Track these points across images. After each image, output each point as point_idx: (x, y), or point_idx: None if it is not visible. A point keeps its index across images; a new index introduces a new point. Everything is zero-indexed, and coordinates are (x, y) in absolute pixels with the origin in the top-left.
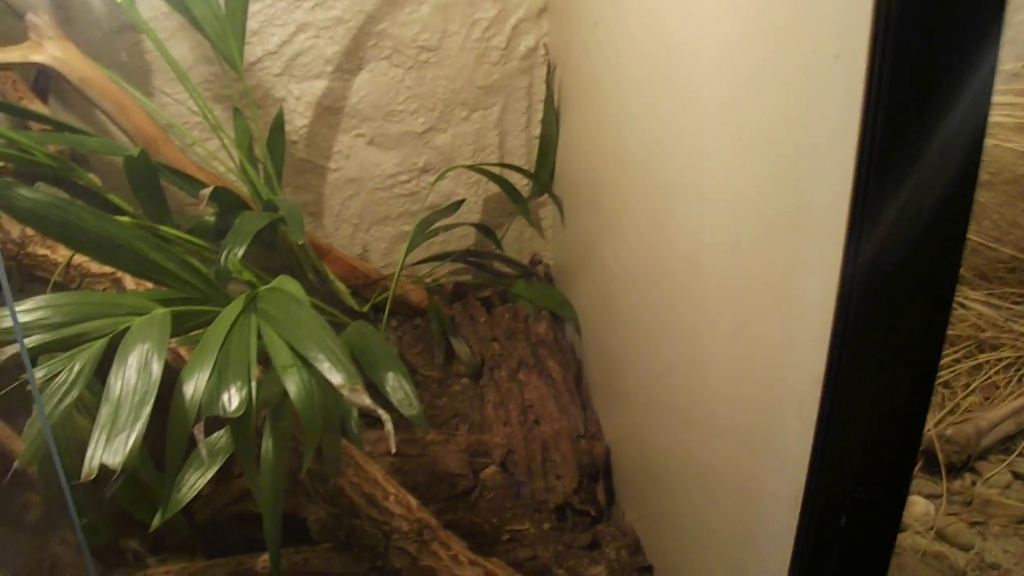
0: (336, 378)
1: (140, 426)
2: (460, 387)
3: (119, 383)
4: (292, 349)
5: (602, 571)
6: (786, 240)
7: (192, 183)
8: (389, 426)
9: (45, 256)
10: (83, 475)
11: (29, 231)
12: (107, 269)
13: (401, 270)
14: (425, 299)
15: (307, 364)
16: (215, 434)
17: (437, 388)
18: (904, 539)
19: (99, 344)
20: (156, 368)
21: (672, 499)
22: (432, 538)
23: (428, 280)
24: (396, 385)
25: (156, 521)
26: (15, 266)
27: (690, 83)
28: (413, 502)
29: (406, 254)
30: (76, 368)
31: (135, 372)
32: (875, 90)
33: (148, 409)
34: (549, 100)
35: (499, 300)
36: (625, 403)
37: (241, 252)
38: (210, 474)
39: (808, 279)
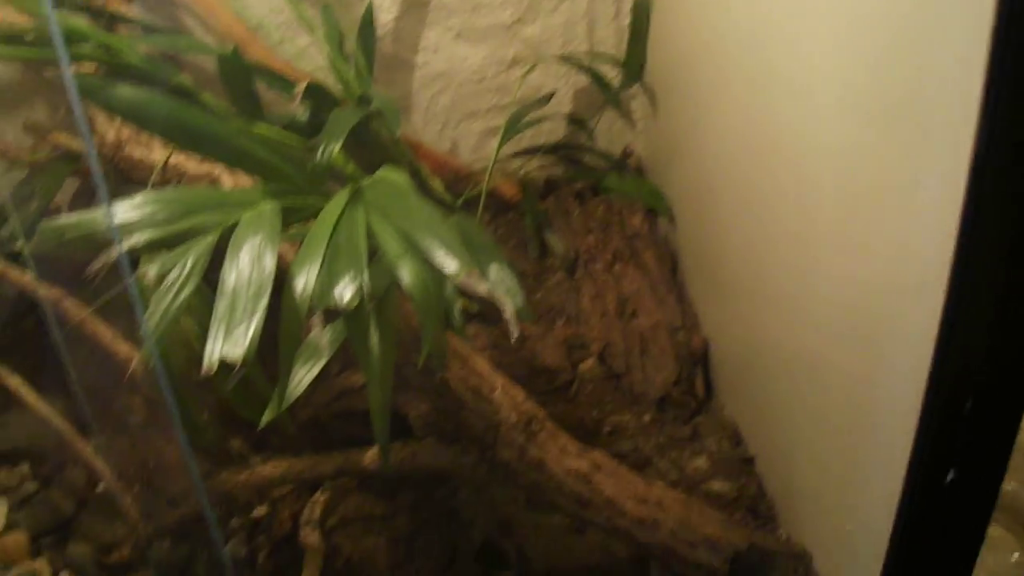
0: (451, 266)
1: (258, 318)
2: (555, 281)
3: (233, 276)
4: (404, 238)
5: (704, 462)
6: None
7: (283, 81)
8: (510, 310)
9: (141, 159)
10: (204, 369)
11: (124, 134)
12: (204, 170)
13: (494, 164)
14: (517, 193)
15: (419, 253)
16: (315, 330)
17: (532, 282)
18: None
19: (210, 238)
20: (269, 260)
21: (778, 389)
22: (540, 429)
23: (519, 175)
24: (499, 276)
25: (267, 417)
26: (111, 169)
27: None
28: (520, 394)
29: (500, 146)
30: (189, 263)
31: (248, 264)
32: None
33: (264, 301)
34: None
35: (591, 193)
36: (725, 295)
37: (338, 147)
38: (317, 369)
39: (934, 150)
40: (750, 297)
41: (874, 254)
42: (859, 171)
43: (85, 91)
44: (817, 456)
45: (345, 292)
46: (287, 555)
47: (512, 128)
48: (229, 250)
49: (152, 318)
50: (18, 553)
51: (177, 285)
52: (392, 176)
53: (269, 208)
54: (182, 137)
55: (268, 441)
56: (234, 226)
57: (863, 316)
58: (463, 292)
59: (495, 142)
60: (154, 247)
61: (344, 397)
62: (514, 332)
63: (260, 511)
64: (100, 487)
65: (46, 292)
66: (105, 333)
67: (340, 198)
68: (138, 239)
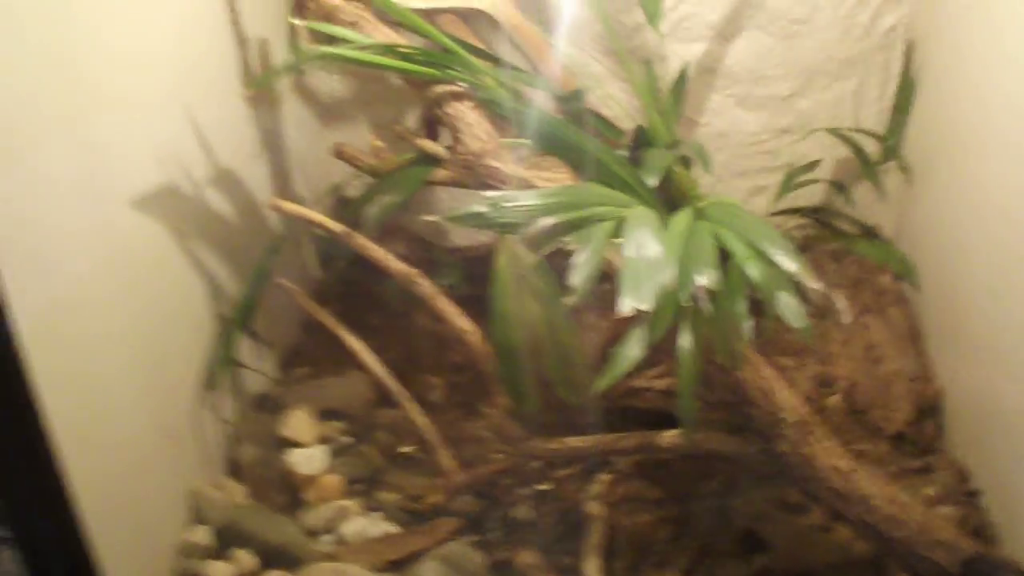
0: (792, 266)
1: (656, 281)
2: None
3: (630, 250)
4: (748, 244)
5: (933, 491)
6: None
7: (602, 122)
8: (843, 303)
9: (498, 168)
10: (617, 313)
11: (488, 146)
12: (549, 181)
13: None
14: None
15: (763, 255)
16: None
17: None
18: None
19: (609, 224)
20: (654, 247)
21: (1006, 432)
22: (812, 430)
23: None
24: (787, 302)
25: (602, 384)
26: (471, 175)
27: None
28: (798, 400)
29: (776, 200)
30: (597, 240)
31: (638, 247)
32: None
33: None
34: (905, 74)
35: (842, 255)
36: (962, 352)
37: (656, 181)
38: (639, 356)
39: None
40: (988, 355)
41: None
42: None
43: (490, 102)
44: None
45: (706, 280)
46: (569, 523)
47: (786, 186)
48: (626, 233)
49: (578, 275)
50: (334, 492)
51: (589, 256)
52: (726, 199)
53: (643, 210)
54: (561, 149)
55: (574, 420)
56: (621, 218)
57: None
58: (798, 289)
59: (760, 199)
60: (566, 229)
61: (628, 396)
62: (847, 318)
63: (544, 486)
64: (406, 448)
65: (403, 269)
66: (448, 308)
67: (686, 213)
68: (549, 220)
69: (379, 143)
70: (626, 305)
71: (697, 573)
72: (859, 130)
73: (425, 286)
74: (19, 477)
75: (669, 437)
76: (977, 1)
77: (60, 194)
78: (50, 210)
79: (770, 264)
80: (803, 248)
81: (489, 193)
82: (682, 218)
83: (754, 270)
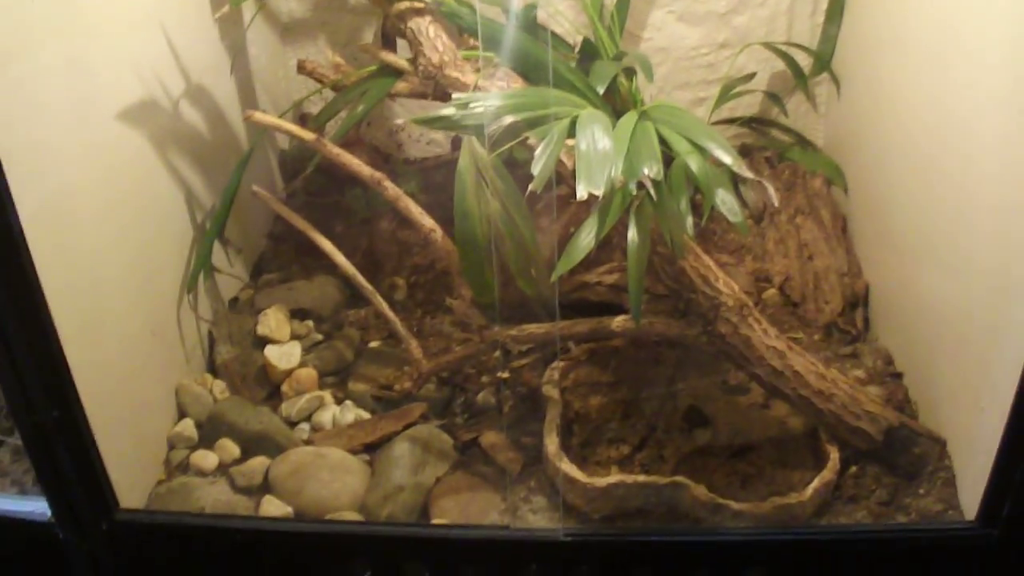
0: (727, 159)
1: (607, 170)
2: (749, 224)
3: (584, 144)
4: (688, 141)
5: (862, 373)
6: None
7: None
8: (771, 191)
9: (457, 78)
10: (578, 197)
11: (446, 58)
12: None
13: None
14: None
15: (702, 150)
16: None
17: (727, 223)
18: None
19: (566, 121)
20: (605, 140)
21: (927, 321)
22: (749, 313)
23: None
24: (724, 197)
25: (558, 272)
26: (432, 85)
27: None
28: (736, 285)
29: (713, 110)
30: (555, 134)
31: (591, 141)
32: None
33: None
34: None
35: (778, 160)
36: (887, 249)
37: (603, 88)
38: (591, 245)
39: None
40: (910, 251)
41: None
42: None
43: (452, 16)
44: (956, 370)
45: (650, 170)
46: (528, 406)
47: (722, 98)
48: (579, 129)
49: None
50: (309, 384)
51: (549, 149)
52: (669, 103)
53: (595, 110)
54: (517, 60)
55: (530, 310)
56: (575, 117)
57: (1001, 264)
58: (734, 178)
59: (700, 110)
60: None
61: (581, 290)
62: (775, 201)
63: (503, 375)
64: (375, 342)
65: (369, 172)
66: (414, 209)
67: (632, 114)
68: (512, 117)
69: (339, 58)
70: (582, 190)
71: (646, 448)
72: (793, 44)
73: (391, 189)
74: (28, 371)
75: (619, 321)
76: None
77: (49, 108)
78: (40, 123)
79: (709, 158)
80: (741, 154)
81: (456, 95)
82: (629, 118)
83: (694, 164)
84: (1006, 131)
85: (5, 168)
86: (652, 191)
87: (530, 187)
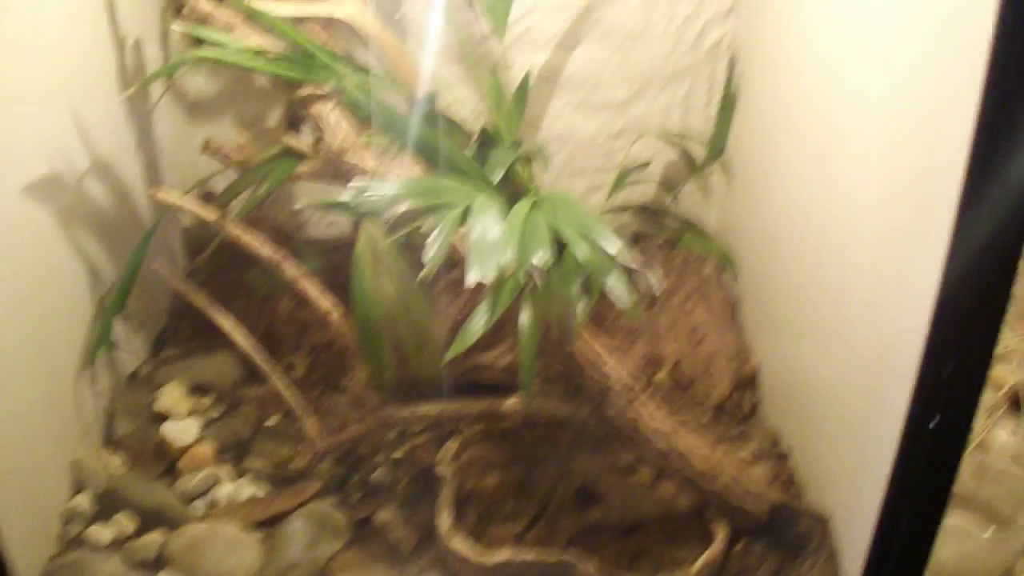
0: (612, 248)
1: (498, 259)
2: (640, 309)
3: (475, 233)
4: (577, 230)
5: (748, 453)
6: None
7: (452, 124)
8: (656, 279)
9: (357, 164)
10: (467, 284)
11: (347, 143)
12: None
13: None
14: None
15: (591, 239)
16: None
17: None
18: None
19: (458, 210)
20: (496, 229)
21: (811, 402)
22: (635, 398)
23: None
24: (614, 284)
25: (449, 356)
26: (332, 169)
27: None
28: (624, 371)
29: (609, 196)
30: (448, 223)
31: (482, 230)
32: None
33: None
34: (728, 84)
35: (670, 247)
36: (775, 333)
37: (499, 177)
38: (484, 328)
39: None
40: (795, 334)
41: (897, 292)
42: (890, 226)
43: (352, 105)
44: (836, 449)
45: (538, 259)
46: (422, 485)
47: (618, 185)
48: (472, 218)
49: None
50: (205, 461)
51: (442, 237)
52: (560, 193)
53: (488, 199)
54: (415, 147)
55: (421, 388)
56: (468, 206)
57: (874, 348)
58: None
59: (596, 197)
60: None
61: (476, 371)
62: (656, 289)
63: (399, 453)
64: (271, 421)
65: (270, 252)
66: (312, 290)
67: (525, 203)
68: (406, 206)
69: (243, 140)
70: (472, 278)
71: (538, 526)
72: (687, 135)
73: (291, 269)
74: None
75: (511, 403)
76: (789, 22)
77: None
78: None
79: (596, 247)
80: (634, 241)
81: (353, 183)
82: (521, 207)
83: (582, 252)
84: (879, 229)
85: None
86: (538, 280)
87: (420, 275)
